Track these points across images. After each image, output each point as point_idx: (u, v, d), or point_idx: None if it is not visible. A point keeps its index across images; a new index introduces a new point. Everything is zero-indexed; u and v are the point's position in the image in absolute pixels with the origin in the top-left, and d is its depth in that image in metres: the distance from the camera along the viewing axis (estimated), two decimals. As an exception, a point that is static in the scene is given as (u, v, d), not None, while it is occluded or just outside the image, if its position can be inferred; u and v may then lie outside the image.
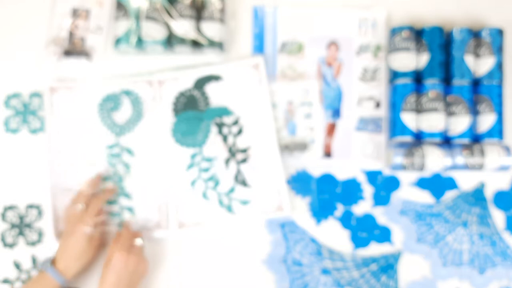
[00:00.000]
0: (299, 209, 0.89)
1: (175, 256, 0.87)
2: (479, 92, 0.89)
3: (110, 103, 0.89)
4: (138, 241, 0.81)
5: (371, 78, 0.92)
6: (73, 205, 0.82)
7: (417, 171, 0.88)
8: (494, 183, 0.91)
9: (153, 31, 0.87)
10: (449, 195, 0.90)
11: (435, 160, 0.85)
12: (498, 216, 0.90)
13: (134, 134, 0.89)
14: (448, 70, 0.89)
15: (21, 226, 0.88)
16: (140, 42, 0.88)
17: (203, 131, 0.89)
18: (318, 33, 0.93)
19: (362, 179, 0.91)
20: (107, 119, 0.89)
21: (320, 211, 0.89)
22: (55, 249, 0.81)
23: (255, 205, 0.87)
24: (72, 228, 0.80)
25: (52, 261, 0.80)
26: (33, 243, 0.87)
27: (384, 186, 0.90)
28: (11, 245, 0.87)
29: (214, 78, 0.90)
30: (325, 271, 0.87)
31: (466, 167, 0.86)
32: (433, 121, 0.86)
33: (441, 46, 0.88)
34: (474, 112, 0.89)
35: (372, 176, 0.90)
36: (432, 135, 0.87)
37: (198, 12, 0.89)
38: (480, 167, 0.86)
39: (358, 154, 0.90)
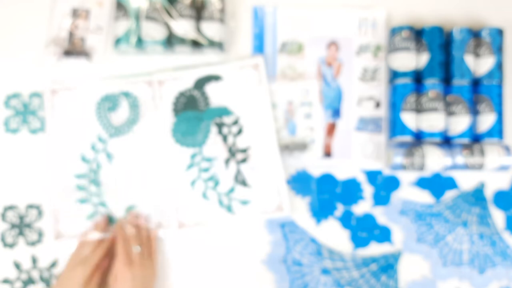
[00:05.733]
0: (299, 209, 0.89)
1: (175, 256, 0.87)
2: (479, 92, 0.89)
3: (109, 103, 0.89)
4: (135, 249, 0.80)
5: (371, 78, 0.92)
6: (79, 248, 0.81)
7: (417, 171, 0.88)
8: (494, 183, 0.91)
9: (153, 31, 0.87)
10: (449, 195, 0.90)
11: (435, 160, 0.85)
12: (498, 216, 0.90)
13: (128, 136, 0.89)
14: (448, 70, 0.89)
15: (21, 226, 0.88)
16: (140, 42, 0.88)
17: (203, 131, 0.89)
18: (318, 33, 0.93)
19: (362, 179, 0.91)
20: (104, 118, 0.89)
21: (320, 211, 0.89)
22: None
23: (255, 205, 0.87)
24: (71, 271, 0.78)
25: None
26: (33, 243, 0.87)
27: (384, 186, 0.90)
28: (11, 245, 0.87)
29: (214, 78, 0.90)
30: (325, 271, 0.87)
31: (466, 167, 0.86)
32: (433, 121, 0.86)
33: (441, 46, 0.88)
34: (474, 112, 0.89)
35: (372, 176, 0.91)
36: (432, 135, 0.87)
37: (198, 12, 0.89)
38: (480, 167, 0.86)
39: (358, 154, 0.90)
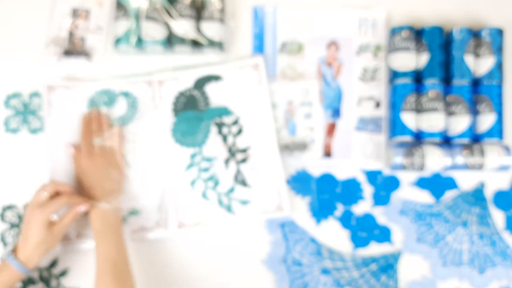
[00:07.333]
0: (299, 209, 0.89)
1: (175, 256, 0.87)
2: (479, 92, 0.89)
3: (105, 97, 0.89)
4: (96, 142, 0.85)
5: (371, 78, 0.92)
6: (38, 191, 0.80)
7: (417, 171, 0.88)
8: (494, 183, 0.91)
9: (153, 31, 0.87)
10: (449, 195, 0.90)
11: (435, 160, 0.85)
12: (498, 216, 0.90)
13: (128, 137, 0.89)
14: (448, 70, 0.89)
15: (20, 226, 0.88)
16: (140, 42, 0.88)
17: (203, 131, 0.89)
18: (318, 33, 0.93)
19: (362, 179, 0.91)
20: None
21: (320, 211, 0.89)
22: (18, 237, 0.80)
23: (255, 205, 0.87)
24: (31, 215, 0.78)
25: (14, 250, 0.78)
26: (33, 243, 0.87)
27: (384, 186, 0.90)
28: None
29: (214, 78, 0.90)
30: (325, 271, 0.87)
31: (466, 167, 0.86)
32: (433, 121, 0.86)
33: (441, 46, 0.88)
34: (474, 112, 0.89)
35: (372, 176, 0.90)
36: (432, 135, 0.87)
37: (198, 12, 0.89)
38: (480, 167, 0.86)
39: (358, 154, 0.90)
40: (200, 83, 0.90)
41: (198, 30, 0.89)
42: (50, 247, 0.79)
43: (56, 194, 0.81)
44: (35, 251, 0.77)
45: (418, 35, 0.89)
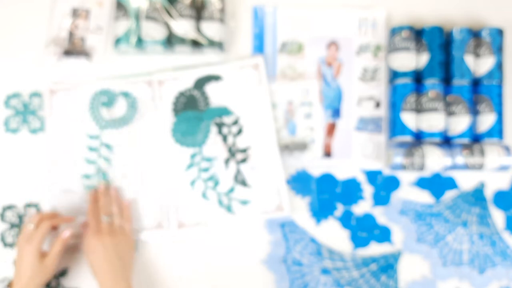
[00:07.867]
0: (299, 209, 0.89)
1: (175, 256, 0.87)
2: (479, 92, 0.89)
3: (104, 97, 0.89)
4: (104, 219, 0.81)
5: (371, 78, 0.92)
6: (25, 225, 0.80)
7: (417, 171, 0.88)
8: (494, 183, 0.91)
9: (153, 31, 0.87)
10: (449, 195, 0.90)
11: (435, 160, 0.85)
12: (498, 216, 0.90)
13: (128, 137, 0.89)
14: (448, 70, 0.89)
15: (20, 226, 0.88)
16: (140, 42, 0.88)
17: (203, 131, 0.89)
18: (318, 33, 0.93)
19: (362, 179, 0.91)
20: (96, 111, 0.88)
21: (320, 211, 0.89)
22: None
23: (255, 205, 0.87)
24: (21, 249, 0.78)
25: (10, 286, 0.78)
26: (33, 243, 0.87)
27: (384, 186, 0.90)
28: (11, 245, 0.87)
29: (214, 78, 0.90)
30: (325, 271, 0.87)
31: (466, 167, 0.86)
32: (433, 121, 0.86)
33: (441, 46, 0.88)
34: (474, 112, 0.89)
35: (372, 176, 0.90)
36: (432, 135, 0.87)
37: (198, 12, 0.89)
38: (480, 167, 0.86)
39: (358, 154, 0.90)
40: (200, 83, 0.90)
41: (198, 30, 0.89)
42: (44, 279, 0.78)
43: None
44: (29, 284, 0.77)
45: (418, 35, 0.89)
